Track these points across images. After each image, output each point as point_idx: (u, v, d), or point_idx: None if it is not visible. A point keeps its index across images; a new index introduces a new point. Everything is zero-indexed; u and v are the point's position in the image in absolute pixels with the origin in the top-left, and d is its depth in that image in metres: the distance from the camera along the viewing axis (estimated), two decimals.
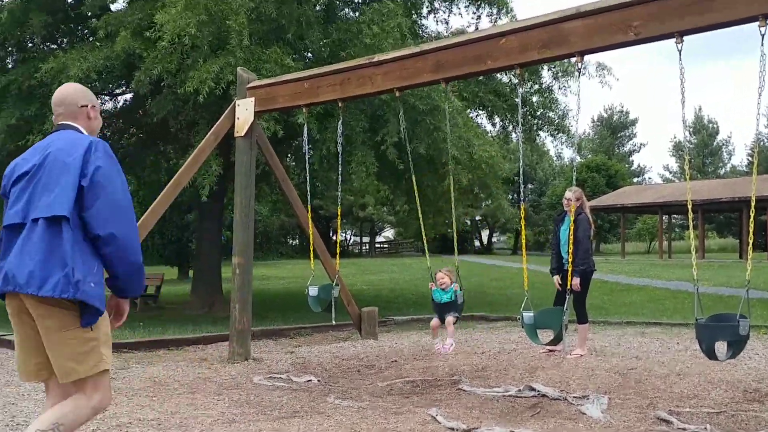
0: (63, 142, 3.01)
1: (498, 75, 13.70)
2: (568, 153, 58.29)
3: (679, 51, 4.64)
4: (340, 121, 7.16)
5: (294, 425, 4.51)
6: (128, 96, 14.68)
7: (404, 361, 7.08)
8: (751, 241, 4.57)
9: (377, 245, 60.23)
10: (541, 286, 12.87)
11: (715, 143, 69.26)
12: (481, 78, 13.09)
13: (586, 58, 5.56)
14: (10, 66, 12.64)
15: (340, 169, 7.44)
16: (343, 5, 13.70)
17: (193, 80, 9.53)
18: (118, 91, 14.41)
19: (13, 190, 3.00)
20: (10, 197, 3.01)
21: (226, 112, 7.65)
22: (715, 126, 69.81)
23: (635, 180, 62.79)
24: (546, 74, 14.41)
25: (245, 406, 5.21)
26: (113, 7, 12.54)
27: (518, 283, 18.77)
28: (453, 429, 4.40)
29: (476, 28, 14.07)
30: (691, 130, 67.02)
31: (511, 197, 43.92)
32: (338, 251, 7.88)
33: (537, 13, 5.44)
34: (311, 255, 7.69)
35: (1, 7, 11.46)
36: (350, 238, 60.94)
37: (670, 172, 69.13)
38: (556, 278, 7.26)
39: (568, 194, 7.27)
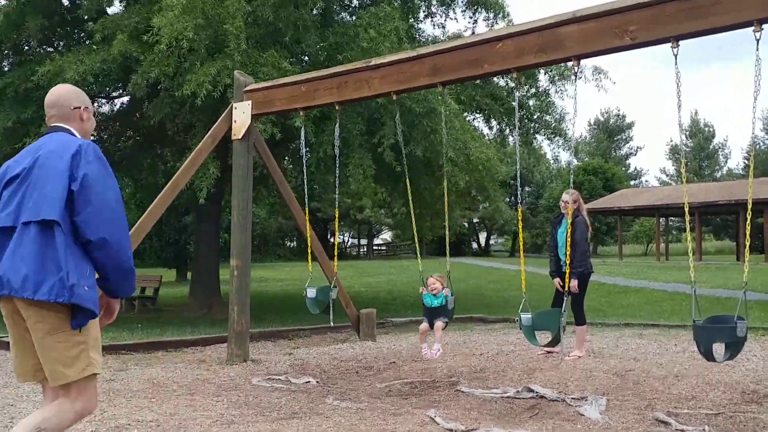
0: (54, 145, 3.00)
1: (495, 79, 13.75)
2: (565, 156, 58.35)
3: (675, 55, 4.66)
4: (337, 124, 7.17)
5: (293, 426, 4.52)
6: (125, 99, 14.70)
7: (402, 362, 7.09)
8: (747, 244, 4.60)
9: (375, 247, 60.24)
10: (539, 288, 12.89)
11: (711, 146, 69.49)
12: (478, 82, 13.13)
13: (583, 62, 5.59)
14: (6, 69, 12.65)
15: (337, 171, 7.46)
16: (339, 9, 13.73)
17: (190, 83, 9.54)
18: (114, 94, 14.41)
19: (5, 192, 2.99)
20: (1, 200, 3.01)
21: (223, 115, 7.65)
22: (711, 129, 70.09)
23: (632, 183, 62.94)
24: (543, 78, 14.47)
25: (244, 407, 5.21)
26: (110, 10, 12.55)
27: (516, 285, 18.77)
28: (451, 430, 4.41)
29: (473, 33, 14.10)
30: (687, 133, 67.18)
31: (508, 200, 44.03)
32: (336, 253, 7.89)
33: (533, 18, 5.47)
34: (309, 257, 7.70)
35: None
36: (348, 241, 60.98)
37: (667, 175, 69.34)
38: (557, 280, 7.28)
39: (565, 197, 7.29)
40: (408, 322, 11.31)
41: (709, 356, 4.38)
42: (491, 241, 62.16)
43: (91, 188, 2.86)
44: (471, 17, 14.35)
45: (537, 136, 15.82)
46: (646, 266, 29.97)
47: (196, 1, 9.49)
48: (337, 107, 6.91)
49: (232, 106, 7.61)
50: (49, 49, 12.89)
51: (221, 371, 6.85)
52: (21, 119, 11.01)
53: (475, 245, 60.08)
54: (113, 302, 3.10)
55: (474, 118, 15.32)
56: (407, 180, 6.60)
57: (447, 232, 6.61)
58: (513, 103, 13.39)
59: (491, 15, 14.00)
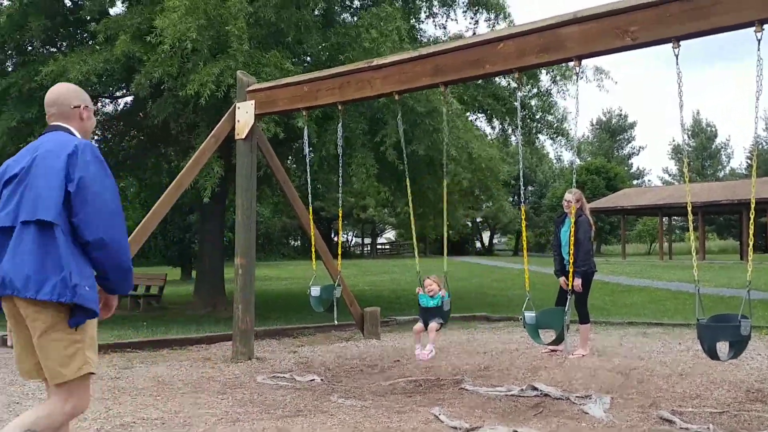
0: (52, 144, 2.99)
1: (497, 79, 13.73)
2: (567, 156, 58.47)
3: (676, 56, 4.66)
4: (339, 124, 7.19)
5: (297, 424, 4.53)
6: (128, 99, 14.73)
7: (407, 360, 7.11)
8: (751, 243, 4.59)
9: (378, 246, 60.26)
10: (542, 287, 12.90)
11: (713, 146, 69.34)
12: (480, 82, 13.12)
13: (584, 62, 5.60)
14: (9, 69, 12.68)
15: (340, 171, 7.48)
16: (341, 10, 13.75)
17: (193, 83, 9.57)
18: (118, 93, 14.44)
19: (4, 192, 3.00)
20: (1, 199, 3.02)
21: (226, 114, 7.68)
22: (713, 129, 69.94)
23: (634, 183, 62.85)
24: (544, 78, 14.45)
25: (249, 405, 5.23)
26: (112, 11, 12.58)
27: (519, 284, 18.80)
28: (456, 428, 4.42)
29: (474, 33, 14.10)
30: (689, 133, 67.08)
31: (511, 199, 44.00)
32: (340, 252, 7.91)
33: (534, 19, 5.48)
34: (313, 256, 7.72)
35: (0, 11, 11.50)
36: (351, 240, 60.99)
37: (670, 175, 69.22)
38: (562, 279, 7.28)
39: (568, 196, 7.30)
40: (412, 320, 11.29)
41: (713, 355, 4.39)
42: (495, 241, 62.14)
43: (87, 189, 2.86)
44: (472, 18, 14.35)
45: (539, 135, 15.81)
46: (650, 265, 29.94)
47: (199, 2, 9.52)
48: (339, 107, 6.93)
49: (235, 106, 7.63)
50: (52, 50, 12.92)
51: (226, 369, 6.88)
52: (25, 119, 11.05)
53: (478, 244, 60.07)
54: (111, 298, 3.12)
55: (476, 118, 15.32)
56: (407, 179, 6.64)
57: (445, 232, 6.61)
58: (515, 103, 13.38)
59: (492, 16, 13.99)
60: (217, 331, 9.86)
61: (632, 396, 5.36)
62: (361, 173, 10.99)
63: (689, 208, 4.80)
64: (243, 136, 7.53)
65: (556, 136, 15.43)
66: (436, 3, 14.24)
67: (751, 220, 4.44)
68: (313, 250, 7.73)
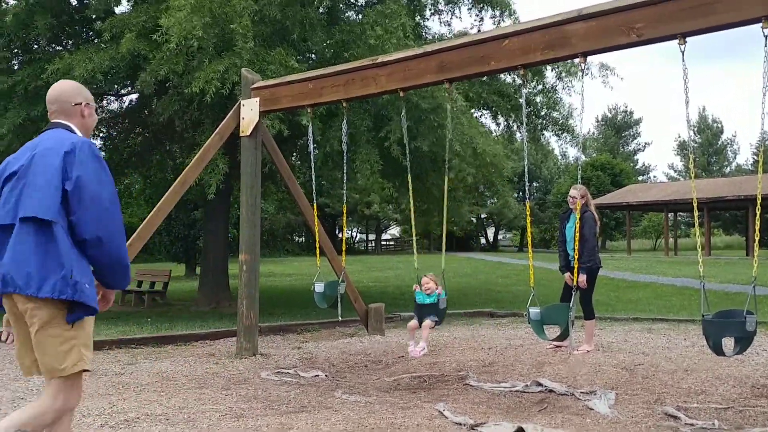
0: (51, 142, 3.00)
1: (502, 76, 13.70)
2: (572, 152, 58.18)
3: (682, 52, 4.64)
4: (344, 121, 7.19)
5: (302, 420, 4.54)
6: (134, 96, 14.75)
7: (411, 356, 7.11)
8: (757, 239, 4.58)
9: (383, 243, 60.27)
10: (547, 282, 12.88)
11: (719, 142, 69.10)
12: (484, 79, 13.09)
13: (589, 58, 5.58)
14: (15, 67, 12.71)
15: (345, 167, 7.48)
16: (346, 8, 13.74)
17: (199, 80, 9.58)
18: (123, 91, 14.48)
19: (4, 189, 3.02)
20: (1, 196, 3.03)
21: (231, 112, 7.69)
22: (719, 125, 69.69)
23: (640, 178, 62.69)
24: (550, 74, 14.41)
25: (253, 400, 5.24)
26: (117, 10, 12.60)
27: (524, 280, 18.78)
28: (460, 424, 4.42)
29: (479, 30, 14.08)
30: (695, 129, 66.82)
31: (516, 195, 43.96)
32: (344, 248, 7.92)
33: (540, 16, 5.47)
34: (317, 252, 7.73)
35: (6, 10, 11.53)
36: (356, 236, 61.01)
37: (675, 171, 68.99)
38: (567, 275, 7.28)
39: (573, 192, 7.29)
40: None
41: (718, 351, 4.38)
42: (500, 237, 62.08)
43: (85, 188, 2.87)
44: (477, 15, 14.32)
45: (544, 132, 15.78)
46: (655, 261, 29.88)
47: (204, 0, 9.52)
48: (344, 104, 6.93)
49: (240, 103, 7.64)
50: (58, 48, 12.94)
51: (230, 365, 6.89)
52: (31, 117, 11.08)
53: (483, 240, 60.02)
54: (109, 292, 3.15)
55: (481, 115, 15.31)
56: (409, 175, 6.64)
57: (444, 228, 6.60)
58: (520, 100, 13.35)
59: (497, 13, 13.95)
60: (221, 327, 9.89)
61: (637, 392, 5.35)
62: (365, 169, 10.99)
63: (695, 204, 4.79)
64: (248, 133, 7.53)
65: (562, 133, 15.40)
66: (441, 0, 14.22)
67: (757, 216, 4.44)
68: (317, 246, 7.74)
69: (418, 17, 13.90)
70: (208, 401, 5.18)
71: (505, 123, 15.49)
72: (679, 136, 70.28)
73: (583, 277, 6.91)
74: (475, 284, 19.65)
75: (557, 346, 6.98)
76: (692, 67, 4.37)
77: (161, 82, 10.83)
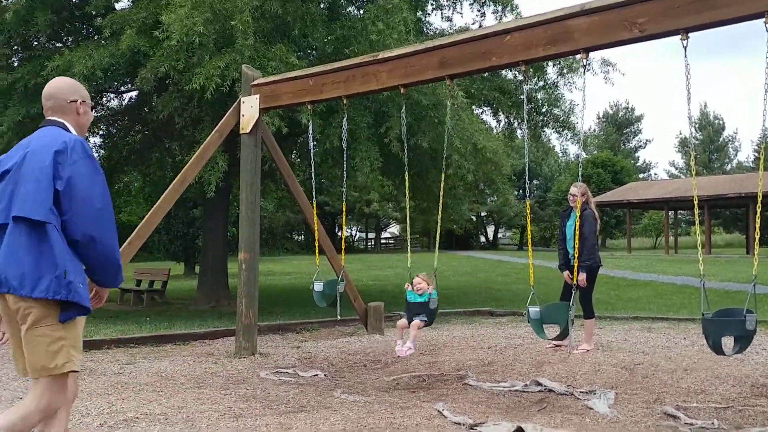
0: (44, 140, 2.98)
1: (503, 72, 13.68)
2: (573, 149, 58.10)
3: (685, 48, 4.63)
4: (344, 118, 7.16)
5: (301, 420, 4.53)
6: (133, 93, 14.73)
7: (410, 355, 7.09)
8: (757, 237, 4.56)
9: (383, 241, 60.28)
10: (547, 281, 12.87)
11: (721, 139, 69.06)
12: (486, 75, 13.06)
13: (591, 54, 5.56)
14: (16, 64, 12.68)
15: (344, 165, 7.45)
16: (347, 3, 13.70)
17: (199, 77, 9.56)
18: (123, 88, 14.45)
19: None
20: None
21: (231, 109, 7.66)
22: (720, 122, 69.63)
23: (641, 176, 62.68)
24: (551, 71, 14.39)
25: (252, 400, 5.22)
26: (118, 6, 12.57)
27: (524, 279, 18.76)
28: (459, 424, 4.41)
29: (480, 26, 14.04)
30: (696, 126, 66.79)
31: (516, 193, 43.95)
32: (344, 247, 7.90)
33: (541, 11, 5.43)
34: (317, 250, 7.71)
35: (6, 7, 11.50)
36: (356, 234, 61.02)
37: (676, 168, 68.99)
38: (566, 273, 7.26)
39: (573, 190, 7.27)
40: None
41: (718, 350, 4.37)
42: (500, 235, 62.07)
43: (76, 187, 2.86)
44: (479, 10, 14.29)
45: (545, 129, 15.76)
46: (655, 259, 29.87)
47: None
48: (344, 101, 6.90)
49: (240, 100, 7.61)
50: (58, 45, 12.91)
51: (229, 364, 6.88)
52: (30, 114, 11.05)
53: (483, 239, 60.00)
54: (102, 290, 3.14)
55: (482, 112, 15.28)
56: (406, 172, 6.62)
57: (439, 226, 6.56)
58: (521, 96, 13.32)
59: (499, 8, 13.93)
60: (220, 326, 9.88)
61: (637, 391, 5.34)
62: (365, 167, 10.97)
63: (695, 202, 4.77)
64: (248, 131, 7.51)
65: (562, 130, 15.38)
66: None
67: (758, 214, 4.42)
68: (316, 244, 7.72)
69: (420, 12, 13.88)
70: (207, 401, 5.17)
71: (506, 120, 15.48)
72: (681, 133, 70.41)
73: (582, 276, 6.89)
74: (474, 283, 19.64)
75: (557, 345, 6.96)
76: (694, 62, 4.35)
77: (161, 79, 10.80)
